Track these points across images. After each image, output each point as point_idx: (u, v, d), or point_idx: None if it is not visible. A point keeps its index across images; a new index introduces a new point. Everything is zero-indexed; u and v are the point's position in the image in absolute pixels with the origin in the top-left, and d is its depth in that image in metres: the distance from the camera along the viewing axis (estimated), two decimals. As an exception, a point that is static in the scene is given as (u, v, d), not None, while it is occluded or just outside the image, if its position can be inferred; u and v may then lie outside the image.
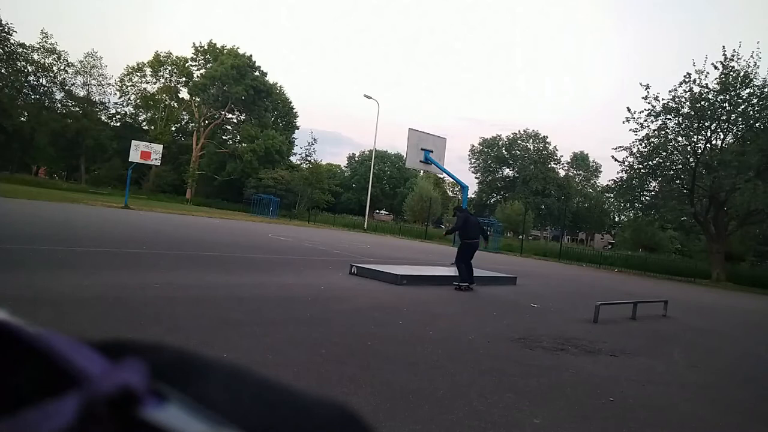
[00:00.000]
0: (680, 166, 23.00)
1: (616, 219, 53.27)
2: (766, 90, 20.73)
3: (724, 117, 21.62)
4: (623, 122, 23.14)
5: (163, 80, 54.70)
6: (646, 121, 22.79)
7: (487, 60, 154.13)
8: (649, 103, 22.49)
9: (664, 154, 22.96)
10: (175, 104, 55.57)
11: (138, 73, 53.63)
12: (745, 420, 3.65)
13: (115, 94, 52.14)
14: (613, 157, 24.35)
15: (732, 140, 22.51)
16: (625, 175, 23.99)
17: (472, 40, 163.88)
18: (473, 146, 68.72)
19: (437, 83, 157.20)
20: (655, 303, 8.69)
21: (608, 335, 6.07)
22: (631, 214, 28.93)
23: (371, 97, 37.38)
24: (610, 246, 56.12)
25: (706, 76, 21.35)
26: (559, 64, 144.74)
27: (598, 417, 3.25)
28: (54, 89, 45.53)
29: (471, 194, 57.09)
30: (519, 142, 66.00)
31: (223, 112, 53.94)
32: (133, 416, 0.21)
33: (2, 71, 39.38)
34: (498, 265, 15.34)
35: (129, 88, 53.43)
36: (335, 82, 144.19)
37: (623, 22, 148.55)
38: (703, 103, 21.44)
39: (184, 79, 54.91)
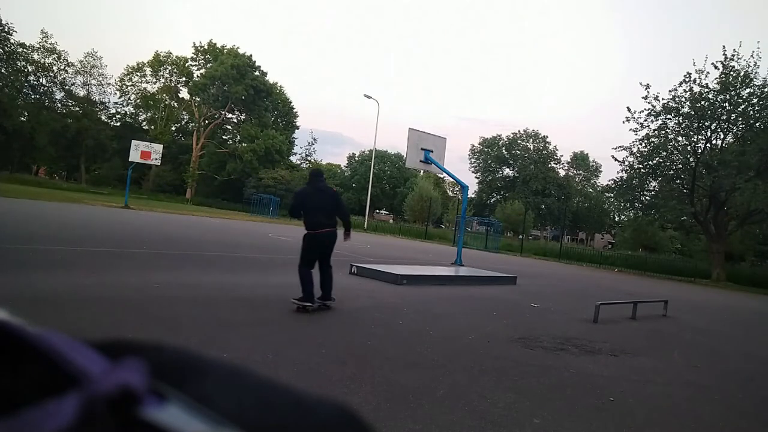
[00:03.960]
0: (680, 166, 22.99)
1: (616, 219, 53.28)
2: (766, 90, 20.70)
3: (724, 117, 21.61)
4: (623, 122, 23.14)
5: (163, 80, 54.71)
6: (646, 120, 22.79)
7: (487, 60, 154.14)
8: (649, 102, 22.49)
9: (664, 153, 22.94)
10: (175, 104, 55.57)
11: (138, 73, 53.63)
12: (745, 420, 3.65)
13: (115, 93, 52.19)
14: (613, 156, 24.37)
15: (732, 140, 22.49)
16: (625, 175, 23.98)
17: (472, 40, 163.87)
18: (473, 146, 68.75)
19: (437, 83, 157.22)
20: (655, 303, 8.69)
21: (608, 335, 6.07)
22: (631, 214, 28.91)
23: (371, 97, 37.39)
24: (610, 246, 56.14)
25: (706, 76, 21.35)
26: (559, 63, 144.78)
27: (598, 417, 3.25)
28: (54, 89, 45.52)
29: (471, 194, 57.08)
30: (519, 141, 65.99)
31: (223, 112, 53.93)
32: (133, 416, 0.21)
33: (2, 71, 39.34)
34: (498, 265, 15.34)
35: (129, 88, 53.44)
36: (335, 82, 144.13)
37: (623, 22, 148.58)
38: (703, 102, 21.42)
39: (184, 79, 54.91)
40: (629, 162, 23.66)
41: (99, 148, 47.56)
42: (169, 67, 54.52)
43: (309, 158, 51.75)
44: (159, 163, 28.91)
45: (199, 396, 0.23)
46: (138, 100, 53.94)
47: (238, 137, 54.76)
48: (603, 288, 13.05)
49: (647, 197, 24.65)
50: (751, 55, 21.72)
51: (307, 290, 5.39)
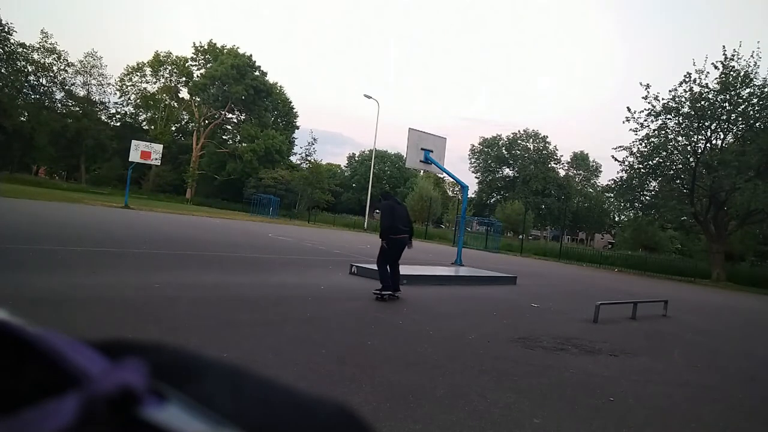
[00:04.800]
0: (680, 166, 22.98)
1: (616, 219, 53.23)
2: (766, 90, 20.69)
3: (724, 117, 21.60)
4: (623, 122, 23.13)
5: (163, 80, 54.73)
6: (646, 120, 22.78)
7: (487, 60, 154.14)
8: (649, 102, 22.48)
9: (664, 153, 22.94)
10: (175, 104, 55.58)
11: (138, 73, 53.65)
12: (745, 420, 3.65)
13: (115, 93, 52.21)
14: (613, 156, 24.36)
15: (732, 140, 22.48)
16: (625, 175, 23.98)
17: (472, 40, 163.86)
18: (473, 146, 68.76)
19: (437, 83, 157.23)
20: (655, 303, 8.68)
21: (608, 335, 6.07)
22: (631, 214, 28.88)
23: (371, 97, 37.39)
24: (610, 246, 56.13)
25: (706, 76, 21.34)
26: (559, 64, 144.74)
27: (598, 417, 3.25)
28: (54, 89, 45.53)
29: (471, 194, 57.08)
30: (519, 141, 65.99)
31: (223, 112, 53.95)
32: (133, 416, 0.21)
33: (2, 71, 39.34)
34: (498, 265, 15.34)
35: (129, 87, 53.48)
36: (335, 82, 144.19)
37: (623, 22, 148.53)
38: (703, 102, 21.41)
39: (184, 78, 54.92)
40: (629, 162, 23.67)
41: (99, 148, 47.57)
42: (169, 67, 54.54)
43: (309, 158, 51.70)
44: (159, 163, 28.92)
45: (199, 396, 0.23)
46: (138, 100, 53.95)
47: (238, 137, 54.78)
48: (603, 288, 13.05)
49: (647, 197, 24.64)
50: (751, 55, 21.72)
51: (385, 282, 6.67)
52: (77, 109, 46.89)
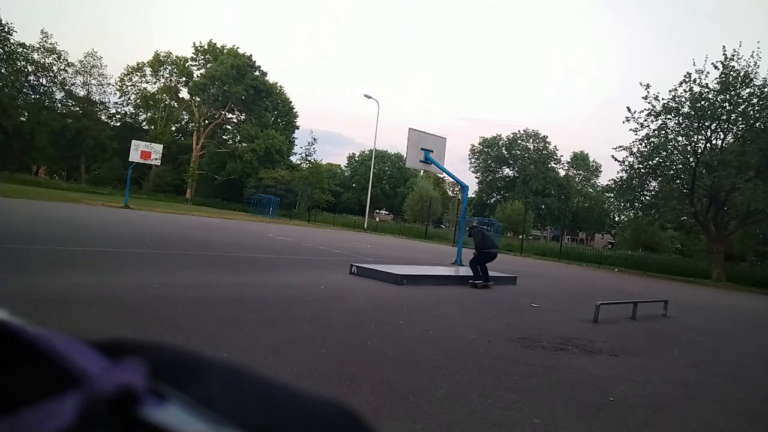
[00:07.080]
0: (680, 166, 22.98)
1: (616, 219, 53.19)
2: (766, 90, 20.69)
3: (724, 117, 21.59)
4: (623, 122, 23.14)
5: (163, 80, 54.69)
6: (646, 120, 22.78)
7: (487, 60, 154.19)
8: (649, 102, 22.48)
9: (664, 153, 22.94)
10: (175, 104, 55.55)
11: (138, 73, 53.60)
12: (745, 420, 3.65)
13: (115, 93, 52.16)
14: (613, 156, 24.39)
15: (732, 140, 22.48)
16: (625, 175, 23.98)
17: (472, 40, 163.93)
18: (473, 146, 68.79)
19: (437, 83, 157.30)
20: (655, 303, 8.69)
21: (608, 335, 6.07)
22: (631, 214, 28.87)
23: (371, 97, 37.39)
24: (610, 246, 56.10)
25: (706, 76, 21.34)
26: (559, 63, 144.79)
27: (598, 417, 3.25)
28: (54, 89, 45.48)
29: (471, 194, 57.07)
30: (519, 141, 66.01)
31: (223, 112, 53.94)
32: (133, 416, 0.21)
33: (2, 71, 39.31)
34: (498, 265, 15.31)
35: (129, 87, 53.42)
36: (335, 82, 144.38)
37: (623, 22, 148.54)
38: (703, 102, 21.41)
39: (184, 78, 54.90)
40: (629, 162, 23.67)
41: (99, 148, 47.55)
42: (169, 67, 54.50)
43: (309, 158, 51.71)
44: (159, 163, 28.91)
45: (199, 396, 0.23)
46: (138, 100, 53.91)
47: (238, 137, 54.76)
48: (603, 288, 13.05)
49: (647, 197, 24.64)
50: (751, 55, 21.73)
51: (476, 275, 9.27)
52: (77, 109, 46.87)
